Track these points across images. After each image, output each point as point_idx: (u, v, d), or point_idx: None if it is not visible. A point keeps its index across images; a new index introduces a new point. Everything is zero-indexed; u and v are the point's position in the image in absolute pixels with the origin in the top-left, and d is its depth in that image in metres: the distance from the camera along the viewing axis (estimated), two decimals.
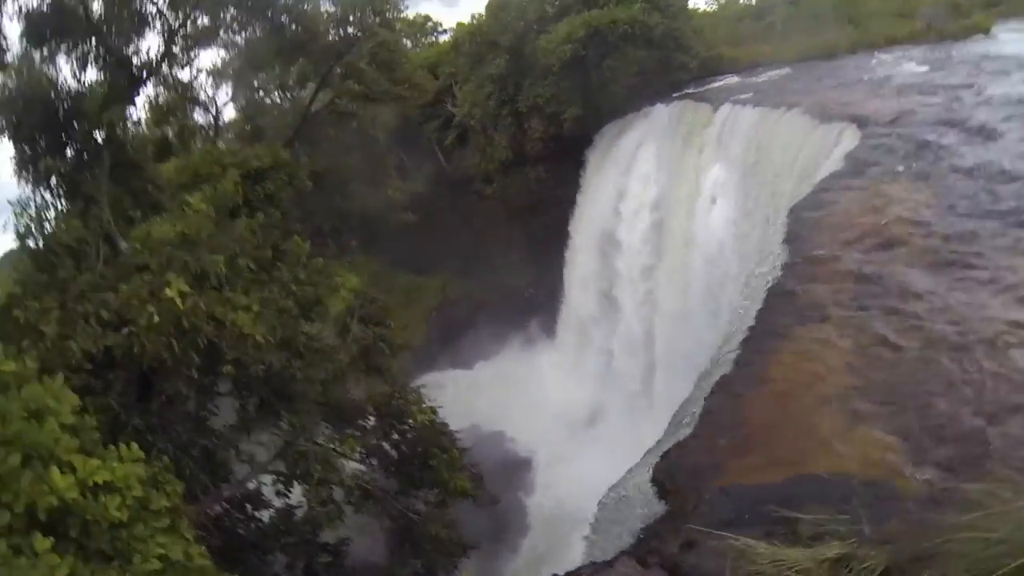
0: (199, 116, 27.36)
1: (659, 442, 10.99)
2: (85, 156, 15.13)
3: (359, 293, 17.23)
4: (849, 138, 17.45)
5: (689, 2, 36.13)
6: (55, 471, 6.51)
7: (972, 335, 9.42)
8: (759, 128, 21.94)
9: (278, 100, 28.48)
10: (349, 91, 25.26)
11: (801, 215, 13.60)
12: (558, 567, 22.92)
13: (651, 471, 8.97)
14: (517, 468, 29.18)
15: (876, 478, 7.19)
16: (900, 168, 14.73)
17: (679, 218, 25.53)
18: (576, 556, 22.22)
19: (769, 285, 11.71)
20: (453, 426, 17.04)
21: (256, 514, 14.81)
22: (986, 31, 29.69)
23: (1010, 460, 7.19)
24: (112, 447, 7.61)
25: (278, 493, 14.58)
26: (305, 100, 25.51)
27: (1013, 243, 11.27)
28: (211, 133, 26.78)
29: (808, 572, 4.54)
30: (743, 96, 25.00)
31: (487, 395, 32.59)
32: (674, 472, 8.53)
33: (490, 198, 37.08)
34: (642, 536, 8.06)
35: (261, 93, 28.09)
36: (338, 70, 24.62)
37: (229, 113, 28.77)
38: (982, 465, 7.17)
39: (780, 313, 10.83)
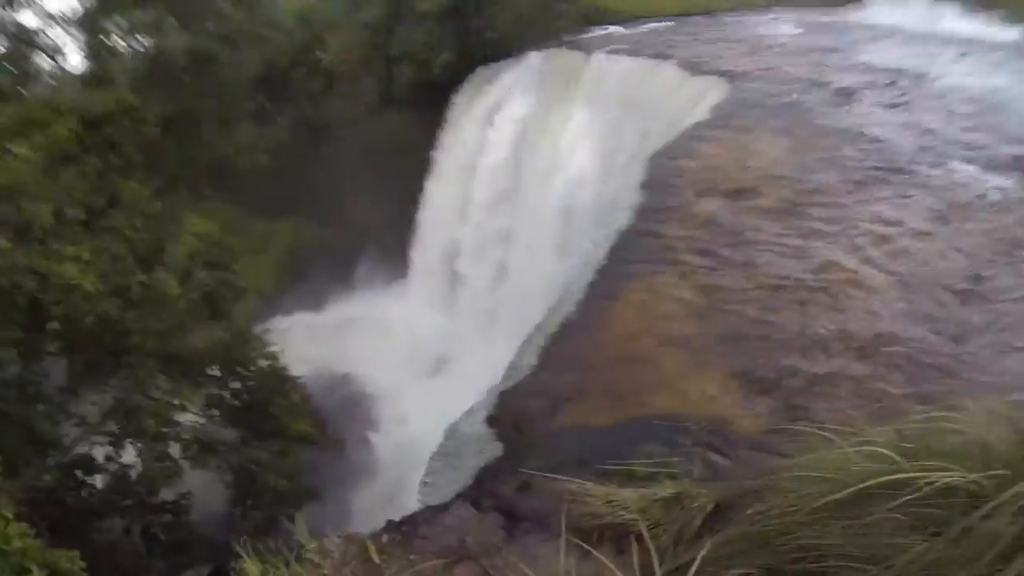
0: (44, 64, 25.21)
1: (496, 384, 10.74)
2: None
3: (204, 237, 16.11)
4: (717, 92, 17.55)
5: None
6: None
7: (811, 283, 9.70)
8: (630, 78, 21.74)
9: (131, 46, 26.39)
10: (209, 33, 23.73)
11: (661, 161, 13.56)
12: (403, 509, 22.77)
13: (487, 412, 8.77)
14: (364, 409, 28.45)
15: (711, 420, 7.28)
16: (762, 122, 14.88)
17: (541, 159, 25.15)
18: (414, 499, 22.22)
19: (622, 228, 11.47)
20: (301, 370, 16.51)
21: (88, 480, 13.70)
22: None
23: (836, 404, 7.48)
24: None
25: (108, 458, 13.51)
26: (160, 44, 23.70)
27: (860, 199, 11.71)
28: (55, 82, 24.62)
29: (642, 511, 4.53)
30: (619, 47, 24.71)
31: (336, 338, 31.70)
32: (511, 414, 8.39)
33: (351, 143, 35.51)
34: (478, 479, 7.75)
35: (113, 38, 25.84)
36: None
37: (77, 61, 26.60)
38: (810, 409, 7.45)
39: (629, 256, 10.81)
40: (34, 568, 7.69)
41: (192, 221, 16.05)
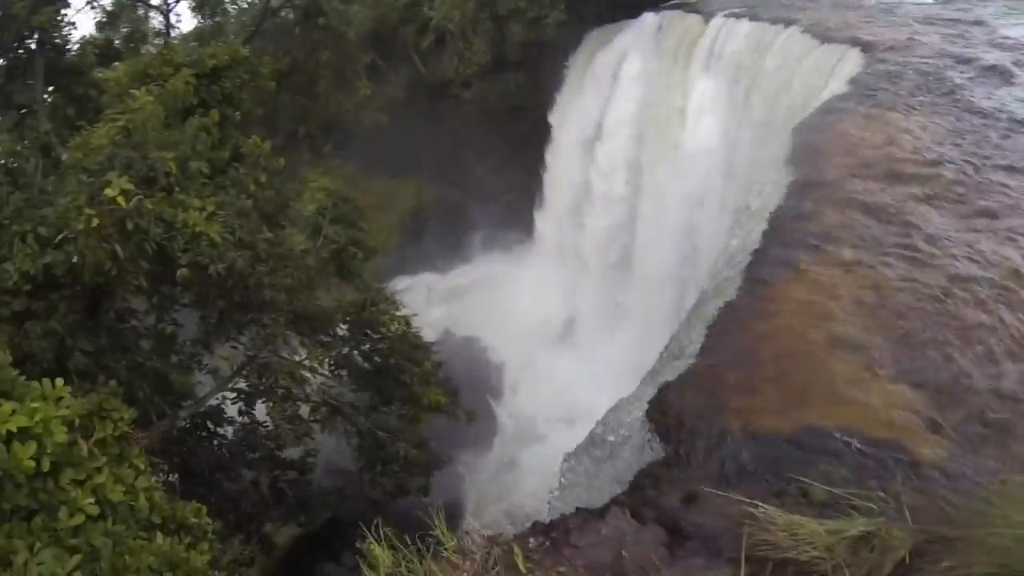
0: (153, 21, 25.41)
1: (651, 373, 10.11)
2: (16, 64, 13.39)
3: (331, 192, 15.87)
4: (852, 62, 16.14)
5: None
6: None
7: (987, 283, 8.62)
8: (754, 43, 20.40)
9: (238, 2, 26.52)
10: None
11: (805, 136, 12.42)
12: (524, 475, 22.29)
13: (648, 407, 7.98)
14: (488, 374, 28.32)
15: (890, 439, 6.56)
16: (909, 99, 13.50)
17: (663, 131, 24.07)
18: (542, 480, 21.73)
19: (773, 208, 10.54)
20: (424, 332, 15.94)
21: (219, 430, 13.74)
22: None
23: None
24: (36, 384, 6.33)
25: (240, 412, 13.48)
26: None
27: None
28: (165, 38, 24.77)
29: (828, 549, 4.16)
30: (736, 9, 23.28)
31: (460, 300, 31.70)
32: (674, 410, 7.62)
33: (468, 103, 35.33)
34: (637, 483, 7.08)
35: None
36: None
37: (187, 21, 26.82)
38: (1003, 440, 6.58)
39: (787, 239, 9.78)
40: (160, 522, 7.51)
41: (314, 178, 15.81)
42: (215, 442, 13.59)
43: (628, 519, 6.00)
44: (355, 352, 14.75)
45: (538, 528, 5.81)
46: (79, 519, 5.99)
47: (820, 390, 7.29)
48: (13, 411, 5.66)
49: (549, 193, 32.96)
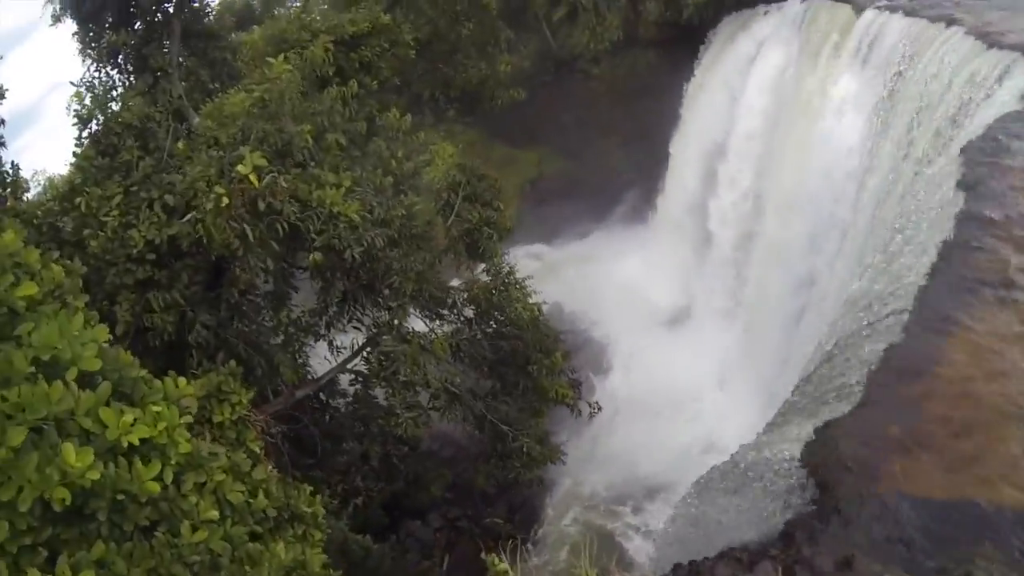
0: None
1: (788, 405, 9.31)
2: (153, 27, 13.08)
3: (464, 167, 15.23)
4: (1021, 72, 14.28)
5: None
6: (68, 448, 4.64)
7: None
8: (909, 42, 18.62)
9: None
10: None
11: (977, 158, 11.01)
12: (621, 456, 21.59)
13: (802, 451, 7.32)
14: (591, 351, 27.55)
15: None
16: None
17: (798, 129, 22.48)
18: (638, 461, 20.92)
19: (944, 238, 9.38)
20: (536, 300, 15.25)
21: (332, 403, 13.45)
22: None
23: None
24: (158, 383, 5.94)
25: (351, 383, 13.11)
26: None
27: None
28: (304, 1, 24.41)
29: None
30: (893, 3, 21.43)
31: (573, 274, 30.84)
32: (834, 459, 6.97)
33: (596, 79, 34.38)
34: (789, 533, 6.59)
35: None
36: None
37: None
38: None
39: (958, 277, 8.71)
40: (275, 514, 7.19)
41: (441, 145, 15.18)
42: (327, 415, 13.31)
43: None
44: (480, 337, 14.18)
45: (680, 570, 5.92)
46: (203, 535, 5.61)
47: (986, 460, 6.64)
48: (135, 420, 5.23)
49: (673, 175, 31.65)
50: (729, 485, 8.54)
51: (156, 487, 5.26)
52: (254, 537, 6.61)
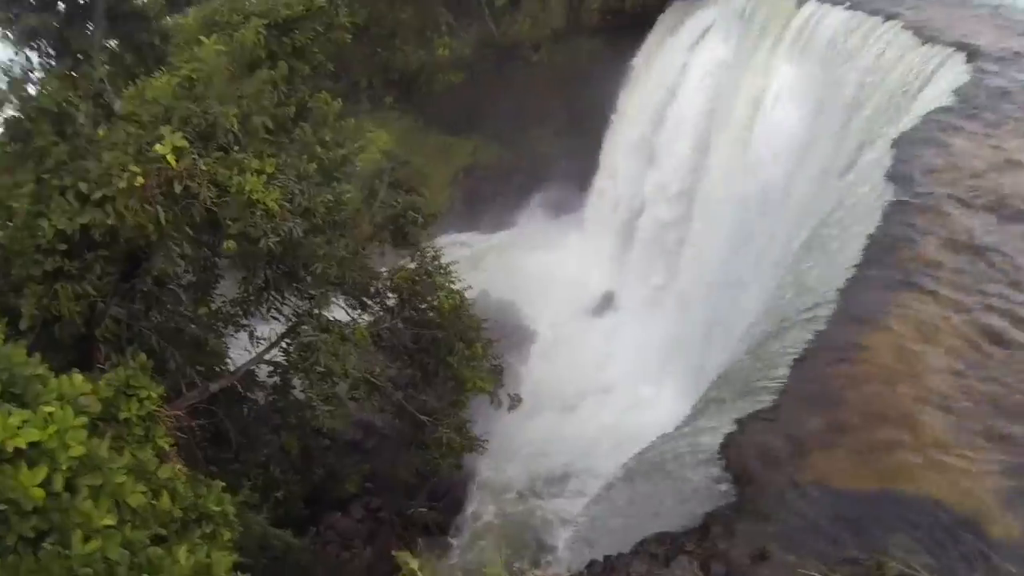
0: None
1: (709, 397, 9.29)
2: (76, 9, 12.43)
3: (390, 154, 14.96)
4: (957, 71, 14.63)
5: None
6: None
7: None
8: (848, 33, 18.83)
9: None
10: None
11: (908, 151, 11.16)
12: (541, 444, 21.57)
13: (722, 443, 7.44)
14: (518, 338, 27.30)
15: (968, 514, 6.21)
16: (1021, 124, 12.16)
17: (737, 113, 22.62)
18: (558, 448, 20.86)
19: (871, 230, 9.53)
20: (462, 288, 14.79)
21: (250, 395, 13.05)
22: None
23: None
24: (54, 380, 5.55)
25: (270, 375, 12.73)
26: None
27: None
28: None
29: None
30: None
31: (502, 262, 30.68)
32: (753, 452, 7.12)
33: (536, 66, 34.02)
34: (706, 527, 6.62)
35: None
36: None
37: None
38: None
39: (885, 271, 8.87)
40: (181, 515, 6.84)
41: (376, 133, 14.84)
42: (245, 408, 12.93)
43: (696, 573, 5.91)
44: (402, 326, 13.92)
45: (595, 566, 5.88)
46: (95, 544, 5.23)
47: (905, 451, 6.82)
48: (23, 423, 4.84)
49: (606, 166, 31.73)
50: (647, 477, 8.54)
51: (41, 494, 4.89)
52: (158, 540, 6.27)
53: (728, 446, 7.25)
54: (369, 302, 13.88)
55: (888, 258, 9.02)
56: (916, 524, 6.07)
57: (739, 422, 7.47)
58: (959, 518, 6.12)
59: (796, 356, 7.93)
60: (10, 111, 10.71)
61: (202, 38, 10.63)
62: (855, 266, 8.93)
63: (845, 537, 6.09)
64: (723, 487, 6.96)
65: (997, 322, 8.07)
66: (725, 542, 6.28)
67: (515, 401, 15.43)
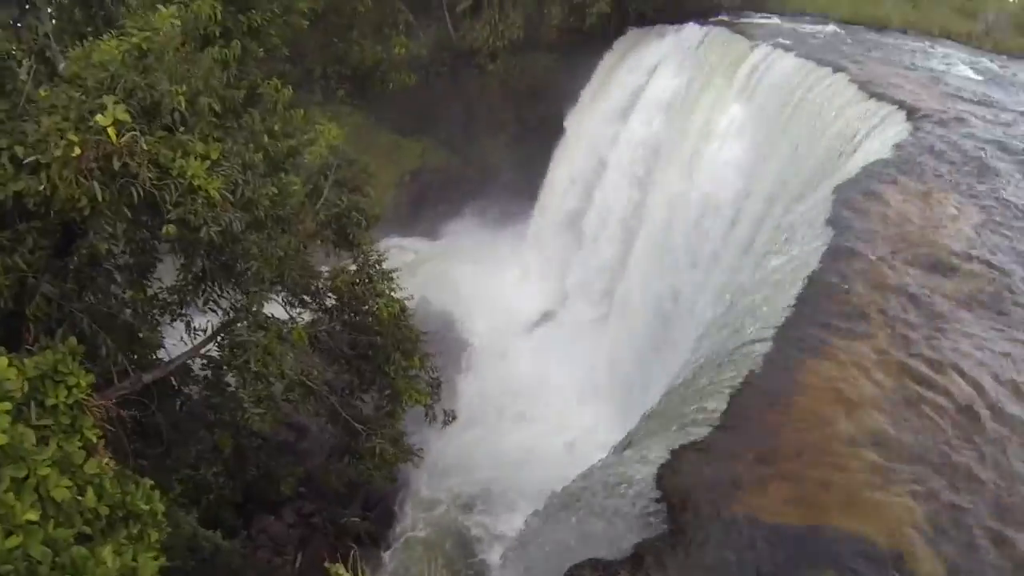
0: None
1: (646, 426, 9.44)
2: None
3: (337, 151, 14.64)
4: (895, 124, 15.29)
5: None
6: None
7: (1014, 406, 8.12)
8: (796, 81, 19.34)
9: None
10: None
11: (847, 198, 11.59)
12: (476, 459, 21.52)
13: (656, 473, 7.42)
14: (456, 349, 27.50)
15: (894, 551, 6.36)
16: (952, 181, 12.77)
17: (682, 149, 23.02)
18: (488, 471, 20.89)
19: (810, 272, 9.84)
20: (403, 295, 14.56)
21: (184, 389, 12.61)
22: None
23: None
24: None
25: (203, 368, 12.32)
26: None
27: None
28: None
29: None
30: (783, 42, 22.25)
31: (444, 270, 30.65)
32: (686, 481, 7.15)
33: (491, 75, 34.30)
34: (639, 556, 6.58)
35: None
36: None
37: None
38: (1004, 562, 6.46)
39: (821, 311, 9.16)
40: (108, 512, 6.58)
41: (326, 126, 14.53)
42: (178, 402, 12.50)
43: None
44: (340, 329, 13.67)
45: None
46: (15, 541, 5.00)
47: (835, 487, 6.97)
48: None
49: (552, 183, 31.99)
50: (580, 504, 8.53)
51: None
52: (83, 539, 6.03)
53: (662, 476, 7.27)
54: (308, 300, 13.56)
55: (825, 299, 9.27)
56: (844, 560, 6.20)
57: (674, 452, 7.50)
58: (886, 555, 6.27)
59: (732, 390, 8.03)
60: None
61: (159, 6, 10.20)
62: (792, 306, 9.13)
63: (776, 572, 6.18)
64: (655, 518, 6.93)
65: (925, 365, 8.37)
66: (658, 572, 6.31)
67: (450, 417, 15.30)
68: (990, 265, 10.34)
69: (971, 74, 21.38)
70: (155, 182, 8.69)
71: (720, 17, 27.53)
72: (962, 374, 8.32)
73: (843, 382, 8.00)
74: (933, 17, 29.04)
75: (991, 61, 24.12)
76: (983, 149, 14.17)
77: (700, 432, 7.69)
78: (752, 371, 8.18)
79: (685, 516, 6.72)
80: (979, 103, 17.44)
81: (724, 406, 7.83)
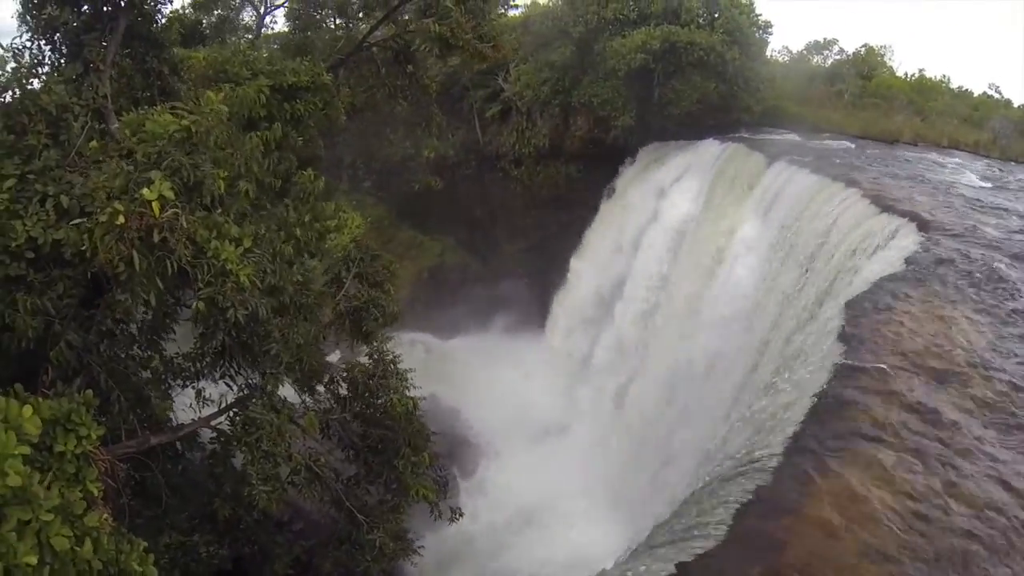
0: (246, 15, 24.95)
1: (651, 538, 9.48)
2: (99, 17, 12.56)
3: (361, 244, 14.98)
4: (908, 240, 15.55)
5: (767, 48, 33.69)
6: None
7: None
8: (810, 197, 19.86)
9: (333, 26, 25.75)
10: (425, 30, 19.92)
11: (859, 313, 11.77)
12: (479, 562, 21.02)
13: None
14: (464, 452, 27.30)
15: None
16: (963, 292, 12.99)
17: (700, 259, 23.47)
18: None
19: (820, 387, 9.95)
20: (416, 393, 14.69)
21: (188, 455, 12.69)
22: None
23: None
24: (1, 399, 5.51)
25: (214, 453, 12.39)
26: (363, 29, 22.84)
27: None
28: (253, 37, 24.25)
29: None
30: (799, 158, 22.90)
31: (457, 371, 30.49)
32: None
33: (515, 181, 34.96)
34: None
35: (320, 13, 25.40)
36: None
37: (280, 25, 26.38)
38: None
39: (832, 425, 9.22)
40: (98, 568, 6.64)
41: (351, 215, 14.91)
42: (180, 467, 12.56)
43: None
44: (351, 420, 13.77)
45: None
46: None
47: None
48: None
49: (569, 294, 32.45)
50: None
51: None
52: None
53: None
54: (321, 388, 13.72)
55: (834, 415, 9.36)
56: None
57: (679, 566, 7.52)
58: None
59: (740, 503, 8.08)
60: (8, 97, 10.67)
61: (210, 93, 10.73)
62: (801, 422, 9.23)
63: None
64: None
65: (935, 479, 8.42)
66: None
67: (456, 516, 15.19)
68: (1000, 378, 10.46)
69: (980, 182, 21.99)
70: (190, 259, 9.00)
71: (739, 135, 28.44)
72: (971, 489, 8.34)
73: (850, 498, 8.03)
74: (942, 128, 29.95)
75: (999, 169, 24.89)
76: (993, 258, 14.45)
77: (705, 545, 7.72)
78: (758, 487, 8.24)
79: None
80: (988, 211, 17.84)
81: (731, 518, 7.86)
